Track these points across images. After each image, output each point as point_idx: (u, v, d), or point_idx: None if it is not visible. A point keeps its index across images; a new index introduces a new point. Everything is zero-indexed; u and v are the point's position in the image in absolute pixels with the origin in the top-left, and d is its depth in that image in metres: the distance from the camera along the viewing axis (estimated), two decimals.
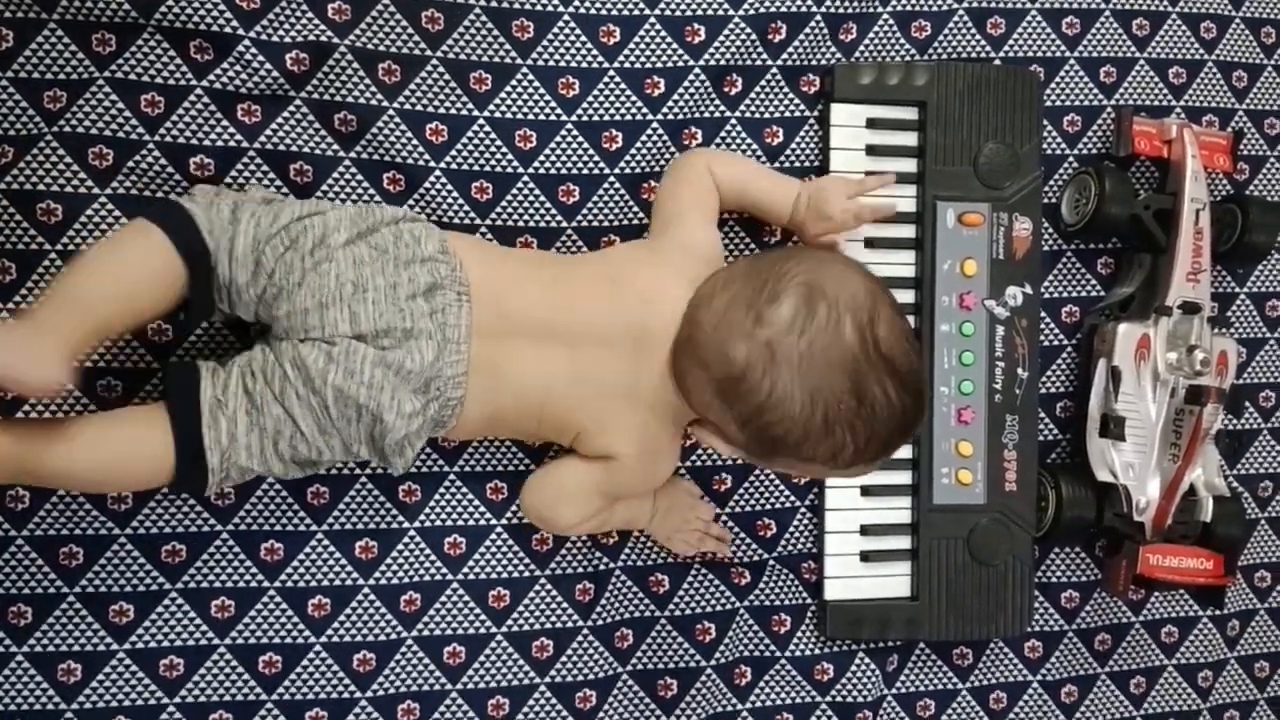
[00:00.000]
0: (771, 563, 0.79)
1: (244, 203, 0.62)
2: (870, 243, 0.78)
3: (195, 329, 0.68)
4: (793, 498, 0.80)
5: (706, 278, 0.64)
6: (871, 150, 0.79)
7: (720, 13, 0.77)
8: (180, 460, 0.59)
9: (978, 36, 0.84)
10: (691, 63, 0.76)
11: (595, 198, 0.75)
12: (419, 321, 0.61)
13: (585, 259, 0.72)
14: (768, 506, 0.79)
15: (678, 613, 0.78)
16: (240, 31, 0.68)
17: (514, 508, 0.75)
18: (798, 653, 0.80)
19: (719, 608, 0.79)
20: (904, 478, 0.80)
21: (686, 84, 0.76)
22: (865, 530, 0.80)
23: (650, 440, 0.67)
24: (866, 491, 0.80)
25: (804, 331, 0.58)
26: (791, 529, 0.80)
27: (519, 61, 0.74)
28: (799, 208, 0.73)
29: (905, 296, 0.79)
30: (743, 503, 0.79)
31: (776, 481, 0.80)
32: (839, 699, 0.80)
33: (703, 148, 0.76)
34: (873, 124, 0.79)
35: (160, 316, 0.64)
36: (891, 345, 0.59)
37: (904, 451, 0.79)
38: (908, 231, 0.79)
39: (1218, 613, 0.88)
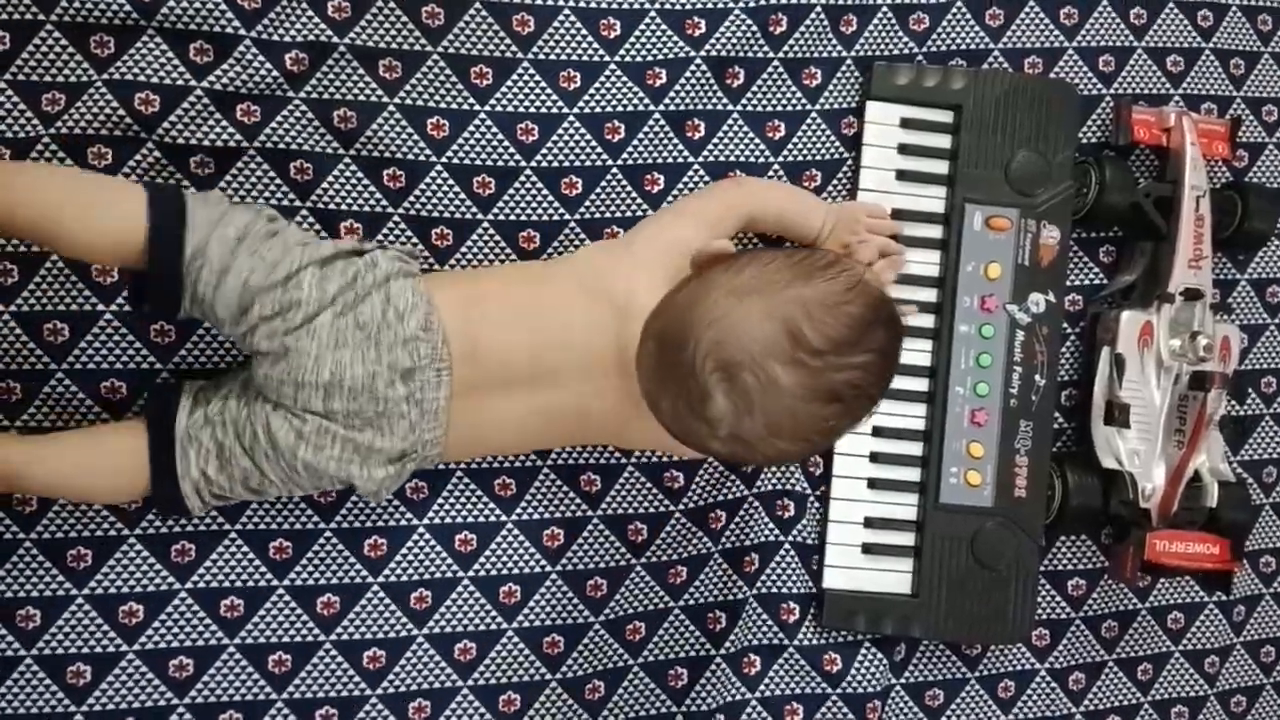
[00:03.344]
0: (786, 547, 0.79)
1: (251, 231, 0.60)
2: (895, 239, 0.79)
3: (150, 315, 0.67)
4: (805, 484, 0.80)
5: (635, 362, 0.60)
6: (904, 149, 0.80)
7: (720, 5, 0.77)
8: (155, 484, 0.62)
9: (976, 28, 0.84)
10: (693, 54, 0.77)
11: (598, 189, 0.75)
12: (394, 407, 0.62)
13: (555, 272, 0.70)
14: (788, 487, 0.79)
15: (691, 602, 0.78)
16: (241, 32, 0.68)
17: (524, 503, 0.75)
18: (805, 642, 0.80)
19: (729, 596, 0.79)
20: (912, 474, 0.80)
21: (688, 74, 0.76)
22: (869, 523, 0.80)
23: (665, 438, 0.65)
24: (873, 484, 0.80)
25: (751, 410, 0.57)
26: (806, 517, 0.80)
27: (520, 56, 0.74)
28: (822, 236, 0.76)
29: (927, 295, 0.80)
30: (767, 483, 0.79)
31: (796, 470, 0.79)
32: (848, 690, 0.80)
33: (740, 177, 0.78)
34: (907, 123, 0.79)
35: (86, 260, 0.64)
36: (824, 331, 0.57)
37: (914, 448, 0.80)
38: (934, 232, 0.80)
39: (1224, 598, 0.89)
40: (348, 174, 0.71)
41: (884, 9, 0.81)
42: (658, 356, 0.59)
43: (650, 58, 0.76)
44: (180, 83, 0.68)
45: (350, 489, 0.72)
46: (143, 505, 0.69)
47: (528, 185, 0.74)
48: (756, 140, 0.79)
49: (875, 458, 0.80)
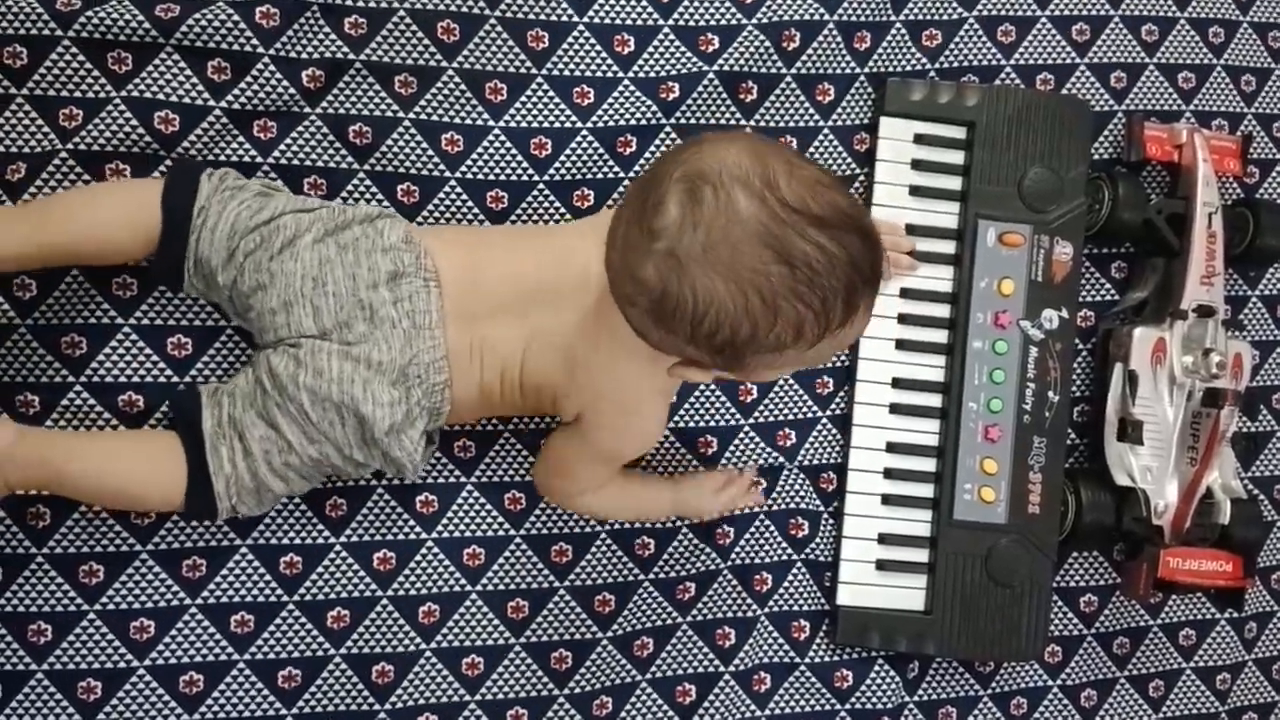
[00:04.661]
0: (799, 566, 0.79)
1: (245, 188, 0.64)
2: (909, 255, 0.79)
3: (154, 288, 0.68)
4: (818, 501, 0.80)
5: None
6: (917, 164, 0.80)
7: (733, 22, 0.78)
8: (192, 485, 0.62)
9: (989, 45, 0.84)
10: (706, 69, 0.77)
11: (610, 202, 0.75)
12: (381, 310, 0.62)
13: (562, 224, 0.72)
14: (802, 506, 0.79)
15: (699, 618, 0.78)
16: (260, 50, 0.68)
17: (533, 518, 0.75)
18: (817, 659, 0.80)
19: (740, 614, 0.79)
20: (926, 490, 0.80)
21: (701, 89, 0.77)
22: (883, 539, 0.80)
23: (619, 390, 0.64)
24: (887, 500, 0.80)
25: (697, 224, 0.52)
26: (820, 535, 0.80)
27: (534, 71, 0.75)
28: None
29: (940, 311, 0.80)
30: (781, 501, 0.79)
31: (807, 483, 0.79)
32: (858, 706, 0.80)
33: None
34: (920, 139, 0.80)
35: (125, 260, 0.66)
36: (801, 194, 0.53)
37: (927, 464, 0.80)
38: (947, 247, 0.80)
39: (1235, 615, 0.88)
40: (362, 188, 0.72)
41: (897, 25, 0.82)
42: (634, 189, 0.57)
43: (663, 73, 0.76)
44: (199, 103, 0.68)
45: (364, 493, 0.72)
46: (155, 520, 0.69)
47: (540, 198, 0.74)
48: None
49: (889, 474, 0.80)
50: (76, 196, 0.65)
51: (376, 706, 0.72)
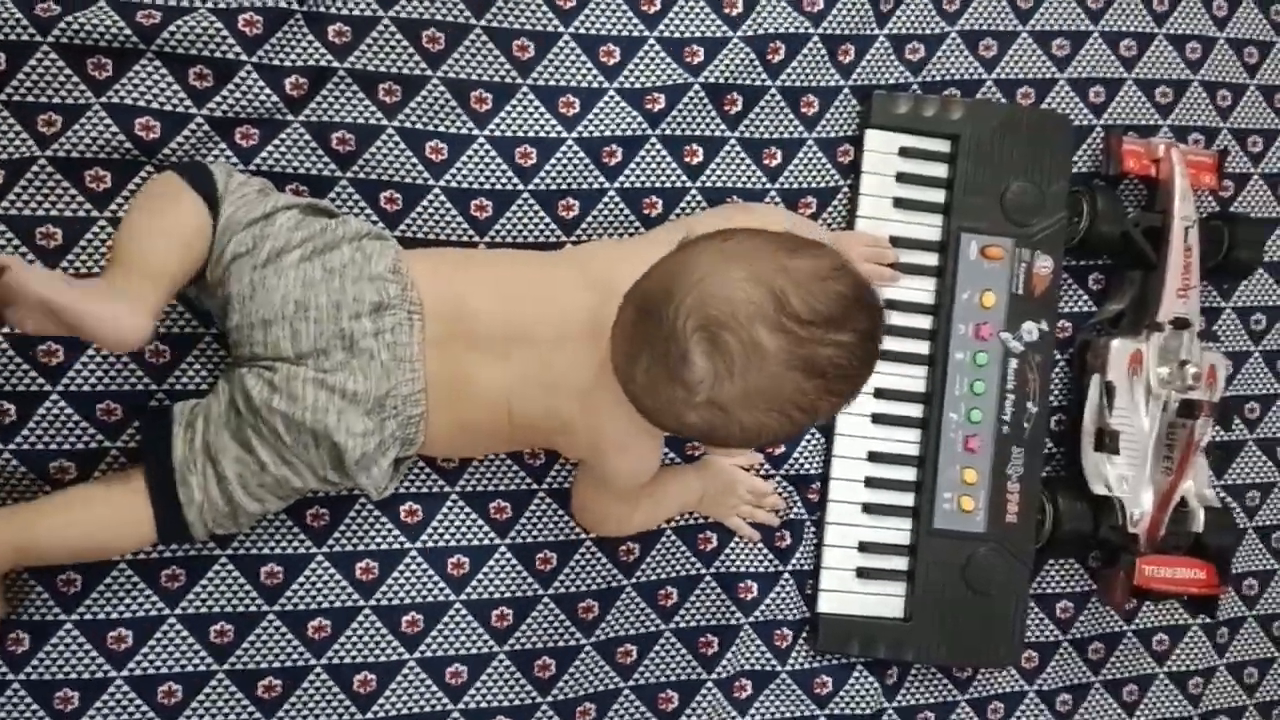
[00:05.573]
0: (785, 576, 0.80)
1: (247, 183, 0.64)
2: (892, 267, 0.81)
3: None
4: (803, 510, 0.80)
5: (610, 333, 0.59)
6: (901, 177, 0.81)
7: (719, 34, 0.78)
8: (162, 517, 0.62)
9: (970, 59, 0.85)
10: (691, 80, 0.77)
11: (595, 212, 0.76)
12: (361, 340, 0.61)
13: (547, 254, 0.72)
14: (788, 516, 0.80)
15: (682, 625, 0.78)
16: (243, 57, 0.68)
17: (518, 526, 0.75)
18: (797, 666, 0.80)
19: (723, 621, 0.79)
20: (906, 499, 0.81)
21: (687, 100, 0.77)
22: (864, 547, 0.80)
23: (616, 431, 0.65)
24: (868, 509, 0.81)
25: (732, 373, 0.55)
26: (803, 544, 0.80)
27: (519, 81, 0.75)
28: None
29: (922, 322, 0.81)
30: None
31: (794, 493, 0.80)
32: (838, 712, 0.81)
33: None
34: (905, 152, 0.81)
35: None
36: (809, 302, 0.55)
37: (908, 474, 0.81)
38: (930, 259, 0.81)
39: (1208, 620, 0.90)
40: (344, 196, 0.71)
41: (881, 39, 0.82)
42: (636, 321, 0.57)
43: (649, 84, 0.77)
44: (181, 110, 0.67)
45: (346, 502, 0.72)
46: None
47: (525, 208, 0.74)
48: (753, 166, 0.79)
49: (870, 482, 0.81)
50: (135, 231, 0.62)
51: (359, 716, 0.72)
